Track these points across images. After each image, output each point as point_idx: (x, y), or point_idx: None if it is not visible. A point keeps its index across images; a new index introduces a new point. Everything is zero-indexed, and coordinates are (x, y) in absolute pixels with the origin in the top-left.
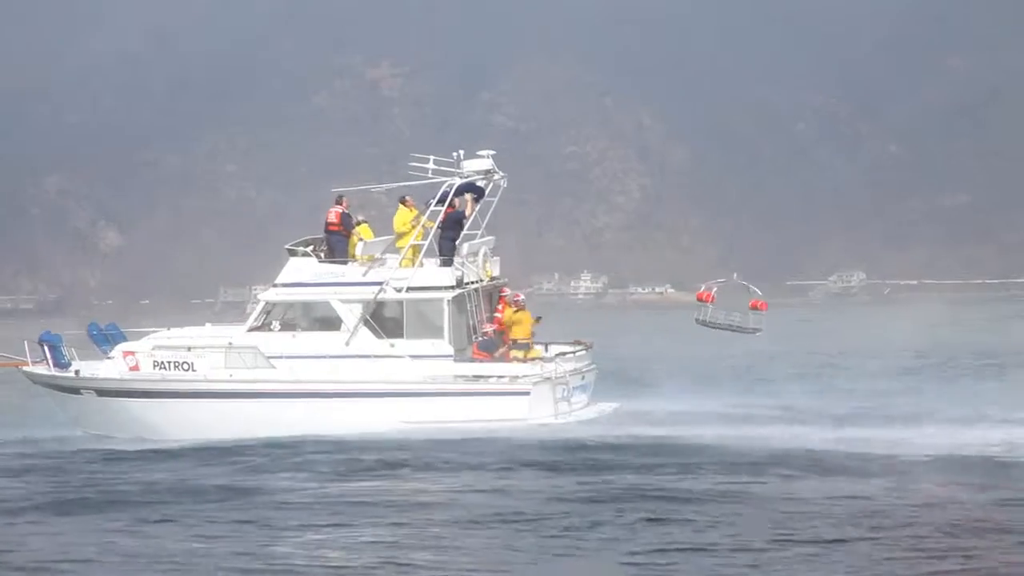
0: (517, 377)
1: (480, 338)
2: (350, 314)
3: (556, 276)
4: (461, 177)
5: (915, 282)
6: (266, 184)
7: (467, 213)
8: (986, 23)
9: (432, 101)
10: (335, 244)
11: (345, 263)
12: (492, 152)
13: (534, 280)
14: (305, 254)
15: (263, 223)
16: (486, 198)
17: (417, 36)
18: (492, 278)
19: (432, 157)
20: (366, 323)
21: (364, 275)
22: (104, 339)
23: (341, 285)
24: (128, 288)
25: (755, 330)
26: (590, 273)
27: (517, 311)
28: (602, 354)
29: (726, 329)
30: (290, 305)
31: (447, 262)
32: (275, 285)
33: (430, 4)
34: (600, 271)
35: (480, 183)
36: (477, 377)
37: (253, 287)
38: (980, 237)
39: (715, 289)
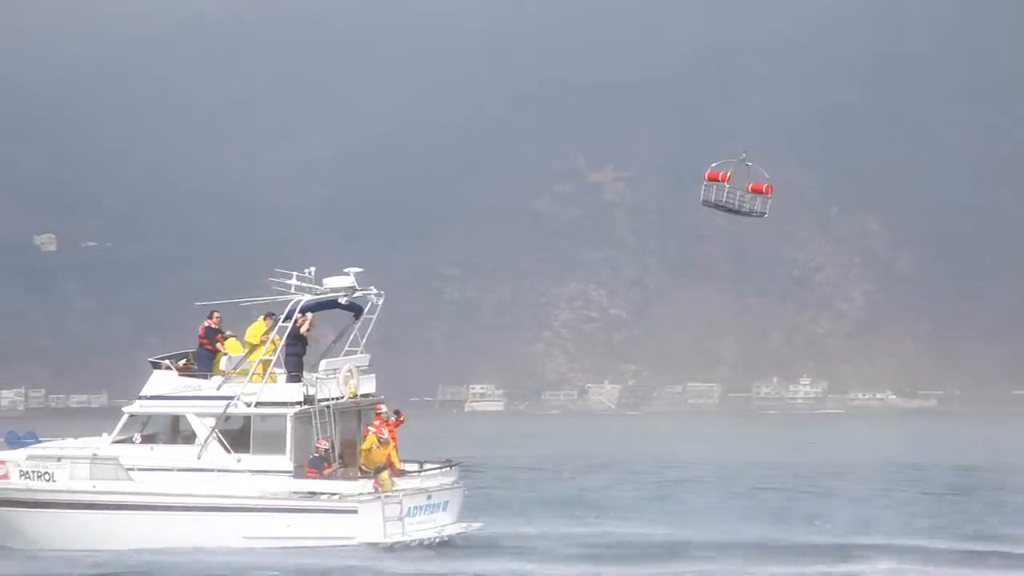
0: (345, 495)
1: (312, 455)
2: (203, 428)
3: (775, 380)
4: (313, 294)
5: None
6: (488, 286)
7: (304, 330)
8: None
9: (654, 206)
10: (200, 357)
11: (205, 377)
12: (358, 270)
13: (753, 384)
14: (167, 367)
15: (483, 324)
16: (366, 315)
17: (639, 140)
18: (358, 395)
19: (295, 273)
20: (217, 437)
21: (218, 389)
22: (20, 447)
23: (196, 399)
24: None
25: (761, 213)
26: (810, 378)
27: (379, 441)
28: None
29: (734, 213)
30: (150, 418)
31: (293, 378)
32: (139, 397)
33: (651, 109)
34: (820, 376)
35: (343, 300)
36: (311, 494)
37: (470, 386)
38: None
39: (731, 170)
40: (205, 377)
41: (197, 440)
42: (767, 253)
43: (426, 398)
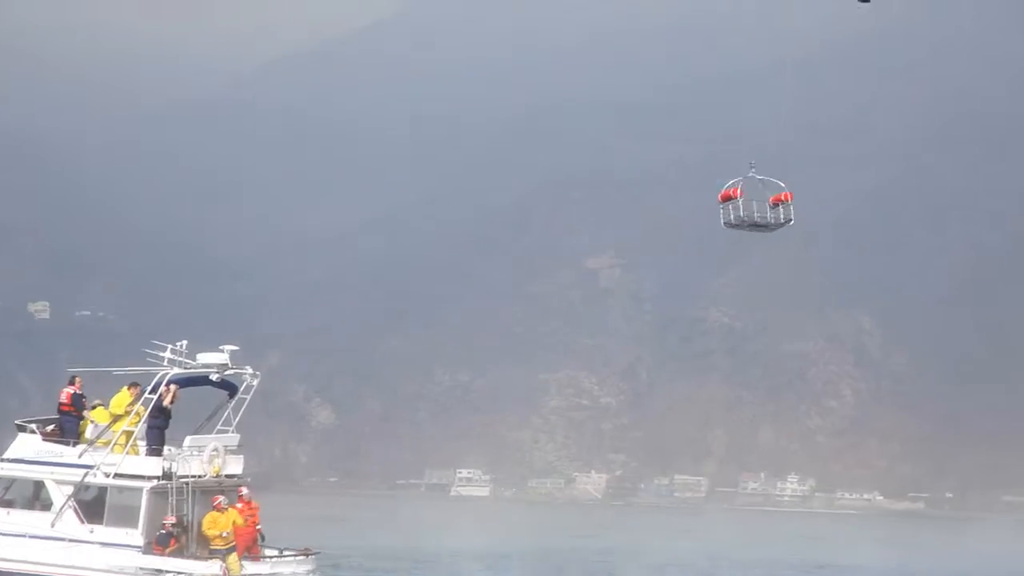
0: (192, 575)
1: (160, 532)
2: (60, 495)
3: (763, 476)
4: (184, 368)
5: None
6: (480, 369)
7: (167, 402)
8: None
9: (650, 294)
10: (65, 424)
11: (68, 443)
12: (233, 348)
13: (741, 479)
14: (32, 431)
15: (473, 408)
16: (240, 395)
17: (637, 229)
18: (222, 475)
19: (169, 346)
20: (72, 506)
21: (79, 457)
22: None
23: (55, 465)
24: (336, 466)
25: (787, 221)
26: (798, 475)
27: (219, 513)
28: None
29: (759, 228)
30: (13, 481)
31: (153, 451)
32: (2, 460)
33: (651, 198)
34: (808, 474)
35: (215, 377)
36: (158, 572)
37: (458, 470)
38: None
39: (741, 183)
40: (69, 444)
41: (53, 507)
42: (761, 346)
43: (412, 481)
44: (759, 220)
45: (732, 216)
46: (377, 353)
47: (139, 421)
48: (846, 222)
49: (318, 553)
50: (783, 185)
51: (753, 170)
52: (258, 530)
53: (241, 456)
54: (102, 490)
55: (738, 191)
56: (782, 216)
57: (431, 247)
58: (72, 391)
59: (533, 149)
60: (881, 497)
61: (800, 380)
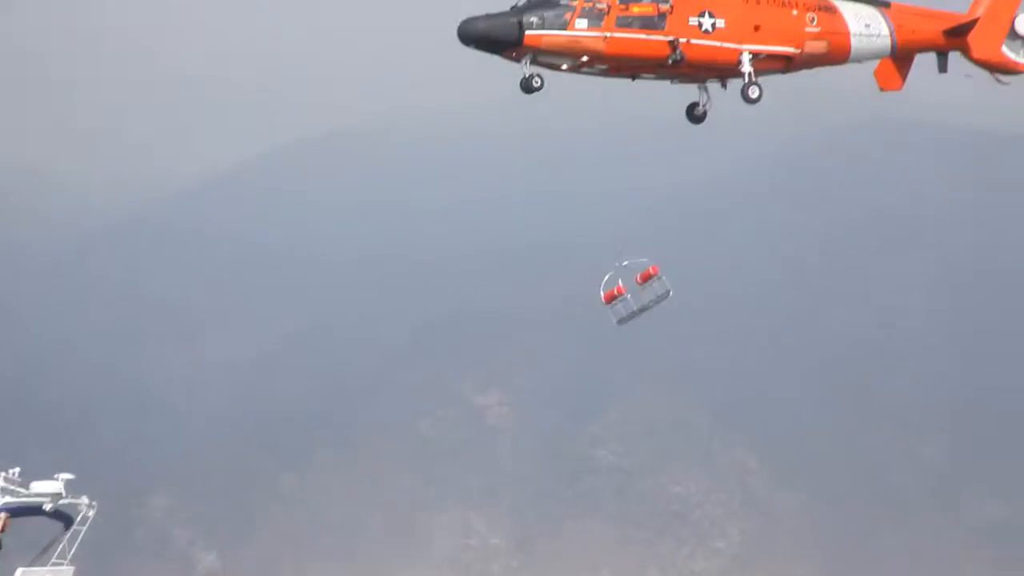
0: None
1: None
2: None
3: None
4: (16, 496)
5: None
6: (365, 511)
7: None
8: None
9: (537, 433)
10: None
11: None
12: (69, 476)
13: None
14: None
15: (359, 552)
16: (76, 526)
17: (525, 367)
18: None
19: (2, 474)
20: None
21: None
22: None
23: None
24: None
25: (665, 293)
26: None
27: None
28: None
29: (648, 310)
30: None
31: None
32: None
33: (540, 338)
34: None
35: (48, 507)
36: None
37: None
38: None
39: (617, 278)
40: None
41: None
42: (648, 486)
43: None
44: (647, 304)
45: (624, 312)
46: (263, 495)
47: None
48: (732, 361)
49: None
50: (647, 261)
51: (619, 260)
52: None
53: None
54: None
55: (621, 287)
56: (658, 291)
57: (318, 385)
58: None
59: (417, 289)
60: None
61: (686, 520)
